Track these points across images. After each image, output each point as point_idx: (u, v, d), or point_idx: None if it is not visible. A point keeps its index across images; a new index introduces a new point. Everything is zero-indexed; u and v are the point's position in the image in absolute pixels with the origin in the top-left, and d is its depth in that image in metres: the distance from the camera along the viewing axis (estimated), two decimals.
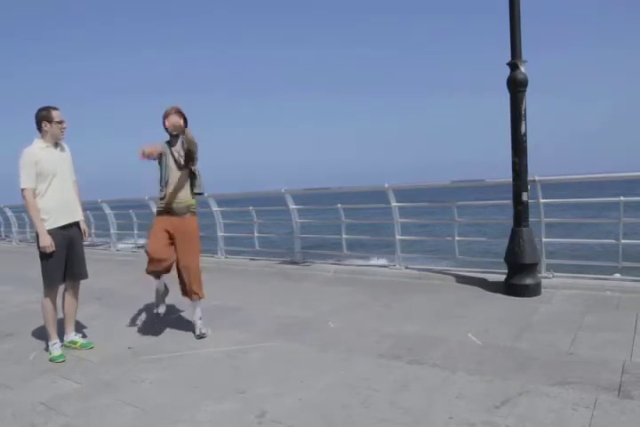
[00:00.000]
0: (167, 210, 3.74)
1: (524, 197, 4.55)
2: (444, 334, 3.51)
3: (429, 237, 8.30)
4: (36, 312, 3.85)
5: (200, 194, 3.85)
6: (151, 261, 3.68)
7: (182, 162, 3.72)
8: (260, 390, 2.73)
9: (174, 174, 3.71)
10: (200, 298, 3.84)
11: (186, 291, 3.84)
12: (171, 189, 3.71)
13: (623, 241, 4.75)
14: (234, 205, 9.73)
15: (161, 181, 3.75)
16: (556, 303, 4.20)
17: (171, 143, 3.76)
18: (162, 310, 3.93)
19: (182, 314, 4.36)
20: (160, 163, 3.74)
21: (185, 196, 3.75)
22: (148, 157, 3.55)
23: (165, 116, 3.68)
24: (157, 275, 3.80)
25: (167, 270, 3.78)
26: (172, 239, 3.74)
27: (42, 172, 3.37)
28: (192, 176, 3.77)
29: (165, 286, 3.92)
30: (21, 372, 3.26)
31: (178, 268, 3.79)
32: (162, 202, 3.76)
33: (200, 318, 3.85)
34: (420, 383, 2.70)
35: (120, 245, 10.45)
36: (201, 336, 3.76)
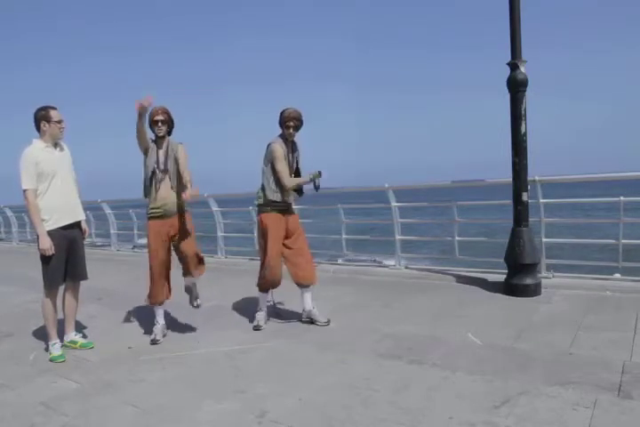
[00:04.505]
0: (157, 214, 3.70)
1: (524, 197, 4.55)
2: (444, 334, 3.51)
3: (429, 237, 8.29)
4: (36, 312, 3.85)
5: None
6: (153, 288, 3.76)
7: (163, 167, 3.67)
8: (260, 390, 2.73)
9: (160, 174, 3.67)
10: (200, 274, 3.86)
11: (187, 271, 3.84)
12: (157, 189, 3.67)
13: (623, 241, 4.75)
14: (234, 205, 9.73)
15: (145, 181, 3.71)
16: (555, 303, 4.20)
17: (157, 144, 3.71)
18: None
19: (182, 314, 4.35)
20: (145, 161, 3.69)
21: (172, 196, 3.70)
22: (142, 108, 3.40)
23: (152, 116, 3.62)
24: (160, 300, 3.84)
25: (167, 295, 3.86)
26: (170, 240, 3.75)
27: (42, 172, 3.36)
28: (172, 178, 3.71)
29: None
30: (21, 372, 3.26)
31: (178, 254, 3.81)
32: (151, 205, 3.72)
33: (194, 284, 3.89)
34: (420, 383, 2.70)
35: (120, 246, 10.45)
36: (198, 305, 3.88)
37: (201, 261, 3.84)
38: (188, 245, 3.77)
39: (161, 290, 3.79)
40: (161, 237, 3.71)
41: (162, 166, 3.67)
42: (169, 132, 3.74)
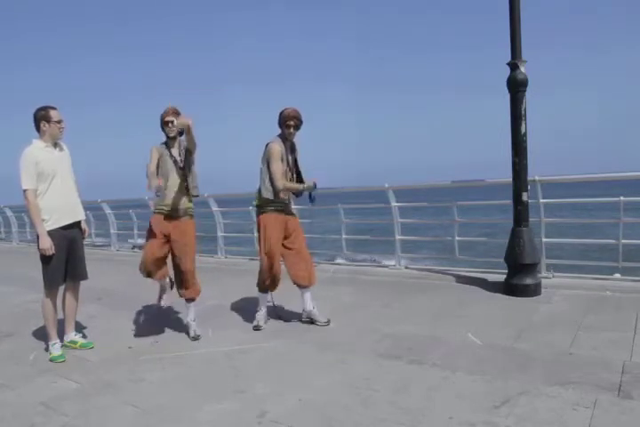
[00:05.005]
0: (165, 213, 3.71)
1: (524, 197, 4.55)
2: (444, 334, 3.51)
3: (429, 237, 8.30)
4: (36, 312, 3.85)
5: (196, 196, 3.83)
6: (146, 262, 3.67)
7: (182, 165, 3.70)
8: (260, 390, 2.73)
9: (172, 178, 3.68)
10: (194, 298, 3.84)
11: (181, 292, 3.83)
12: (168, 192, 3.67)
13: (623, 241, 4.75)
14: (234, 205, 9.73)
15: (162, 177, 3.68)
16: (555, 303, 4.20)
17: (168, 145, 3.73)
18: (164, 302, 3.89)
19: (182, 314, 4.35)
20: (158, 166, 3.69)
21: (182, 199, 3.72)
22: (156, 189, 3.52)
23: (164, 117, 3.65)
24: (151, 275, 3.75)
25: (163, 275, 3.78)
26: (168, 241, 3.72)
27: (42, 172, 3.36)
28: (188, 179, 3.73)
29: (171, 279, 3.89)
30: (21, 372, 3.26)
31: (174, 269, 3.79)
32: (159, 205, 3.72)
33: (194, 320, 3.85)
34: (420, 383, 2.70)
35: (120, 246, 10.45)
36: (195, 338, 3.73)
37: (191, 281, 3.77)
38: (186, 260, 3.73)
39: (154, 265, 3.66)
40: (161, 230, 3.67)
41: (180, 164, 3.69)
42: (180, 133, 3.73)
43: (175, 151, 3.72)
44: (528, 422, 2.22)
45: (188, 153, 3.72)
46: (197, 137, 3.63)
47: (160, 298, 3.92)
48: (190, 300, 3.85)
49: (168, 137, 3.72)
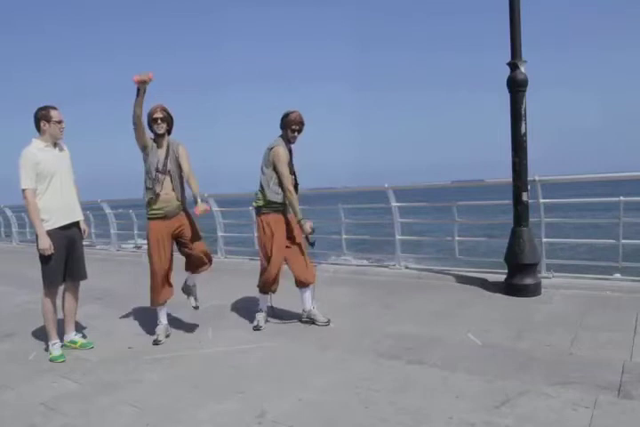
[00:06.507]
0: (159, 215, 3.68)
1: (524, 197, 4.55)
2: (444, 334, 3.51)
3: (429, 237, 8.30)
4: (36, 312, 3.84)
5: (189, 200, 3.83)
6: (155, 290, 3.74)
7: (167, 168, 3.65)
8: (260, 390, 2.73)
9: (161, 175, 3.64)
10: (209, 266, 3.89)
11: (192, 266, 3.85)
12: (158, 190, 3.63)
13: (623, 241, 4.74)
14: (234, 205, 9.73)
15: (146, 182, 3.67)
16: (555, 303, 4.20)
17: (157, 143, 3.67)
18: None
19: (182, 314, 4.35)
20: (145, 161, 3.66)
21: (172, 196, 3.69)
22: (142, 82, 3.35)
23: (152, 114, 3.58)
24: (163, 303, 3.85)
25: (168, 296, 3.84)
26: (171, 240, 3.76)
27: (41, 172, 3.36)
28: (173, 181, 3.70)
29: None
30: (21, 372, 3.26)
31: (186, 252, 3.83)
32: (151, 208, 3.67)
33: (194, 285, 3.93)
34: (420, 383, 2.70)
35: (120, 246, 10.44)
36: (197, 307, 3.89)
37: (209, 258, 3.88)
38: (197, 243, 3.83)
39: (162, 291, 3.76)
40: (162, 238, 3.69)
41: (162, 167, 3.64)
42: (169, 131, 3.70)
43: (162, 152, 3.66)
44: (528, 422, 2.22)
45: (177, 160, 3.67)
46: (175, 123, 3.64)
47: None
48: (202, 271, 3.91)
49: (156, 134, 3.66)
